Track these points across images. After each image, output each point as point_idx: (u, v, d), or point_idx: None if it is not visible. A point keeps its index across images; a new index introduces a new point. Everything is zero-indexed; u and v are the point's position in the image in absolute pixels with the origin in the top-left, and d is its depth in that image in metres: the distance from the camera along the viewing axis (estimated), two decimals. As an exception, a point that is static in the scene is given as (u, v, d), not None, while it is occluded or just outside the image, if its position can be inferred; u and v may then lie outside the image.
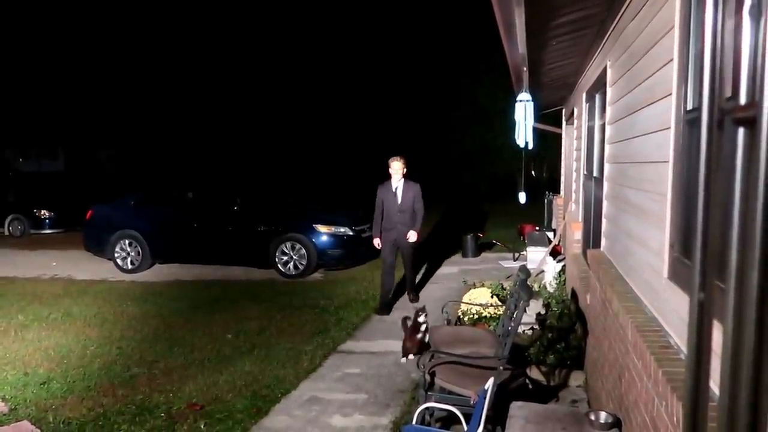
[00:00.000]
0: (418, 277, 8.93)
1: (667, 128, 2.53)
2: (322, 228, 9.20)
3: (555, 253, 8.51)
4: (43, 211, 14.24)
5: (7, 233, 14.38)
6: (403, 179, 6.99)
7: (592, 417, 2.83)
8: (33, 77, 21.12)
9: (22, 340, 5.89)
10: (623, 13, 3.87)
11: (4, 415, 4.14)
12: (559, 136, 10.93)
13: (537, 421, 3.01)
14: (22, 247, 12.64)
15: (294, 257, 9.13)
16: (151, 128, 23.02)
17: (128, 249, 9.72)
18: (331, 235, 9.22)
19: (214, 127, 23.41)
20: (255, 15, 24.08)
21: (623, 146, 3.81)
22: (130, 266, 9.68)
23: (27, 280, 9.04)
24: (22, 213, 14.31)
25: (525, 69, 5.89)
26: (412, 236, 7.02)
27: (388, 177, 7.02)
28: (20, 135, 19.95)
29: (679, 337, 2.27)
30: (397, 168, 6.97)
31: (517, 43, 4.60)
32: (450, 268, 9.50)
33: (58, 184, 16.58)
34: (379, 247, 7.03)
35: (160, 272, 9.55)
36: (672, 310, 2.38)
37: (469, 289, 7.03)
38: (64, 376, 4.86)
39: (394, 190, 6.95)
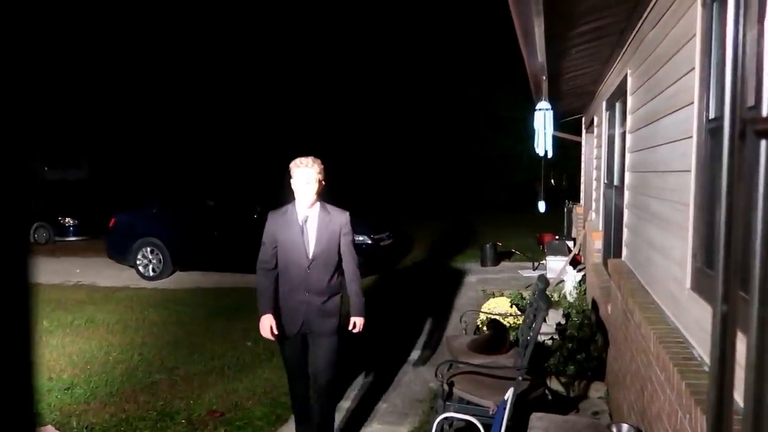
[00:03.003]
0: (431, 284, 8.91)
1: (689, 137, 2.51)
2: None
3: (575, 263, 8.43)
4: (67, 219, 14.51)
5: (32, 240, 14.66)
6: (318, 203, 3.61)
7: (614, 429, 2.79)
8: (57, 87, 21.60)
9: (46, 345, 6.00)
10: (643, 21, 3.85)
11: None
12: (579, 144, 10.85)
13: (557, 433, 2.98)
14: (46, 254, 12.88)
15: (313, 265, 9.15)
16: (172, 137, 23.37)
17: (150, 256, 9.85)
18: (350, 243, 9.22)
19: (235, 136, 23.67)
20: (274, 26, 24.34)
21: (644, 155, 3.77)
22: (151, 273, 9.80)
23: (51, 287, 9.19)
24: (47, 221, 14.59)
25: (544, 78, 5.88)
26: (357, 325, 3.74)
27: (288, 198, 3.69)
28: (45, 144, 20.40)
29: (702, 348, 2.24)
30: (305, 179, 3.52)
31: (536, 52, 4.59)
32: (468, 277, 9.45)
33: (81, 192, 16.90)
34: (270, 336, 3.64)
35: (180, 280, 9.65)
36: (694, 321, 2.35)
37: (488, 299, 6.99)
38: (87, 382, 4.93)
39: (300, 224, 3.57)
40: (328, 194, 3.72)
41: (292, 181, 3.54)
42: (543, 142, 6.18)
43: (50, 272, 10.42)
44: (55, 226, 14.57)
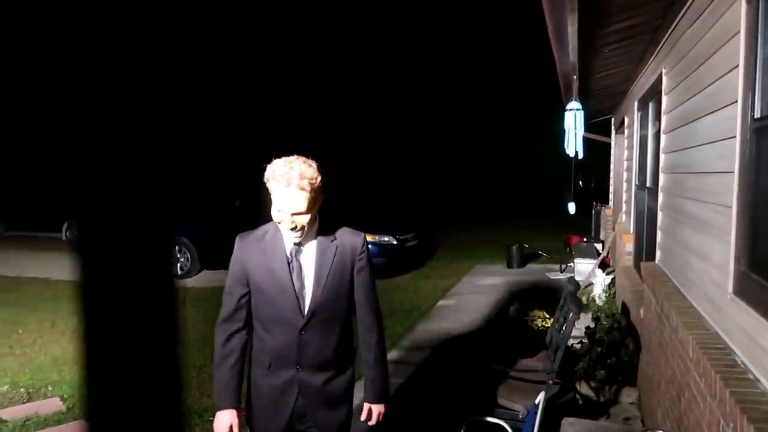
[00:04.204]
0: (457, 285, 8.84)
1: (732, 137, 2.44)
2: (366, 236, 9.22)
3: (603, 265, 8.30)
4: (97, 218, 14.78)
5: (64, 238, 14.98)
6: (316, 224, 2.28)
7: (649, 436, 2.73)
8: (87, 88, 22.05)
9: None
10: (680, 19, 3.76)
11: (63, 413, 4.28)
12: (607, 145, 10.68)
13: (590, 439, 2.92)
14: (77, 251, 13.14)
15: (338, 265, 9.18)
16: (201, 137, 23.68)
17: (178, 255, 9.99)
18: (375, 243, 9.23)
19: (264, 136, 23.89)
20: (311, 27, 24.45)
21: (681, 156, 3.68)
22: (179, 272, 9.93)
23: (82, 284, 9.37)
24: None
25: (575, 77, 5.79)
26: (374, 415, 2.42)
27: (261, 217, 2.42)
28: (76, 143, 20.78)
29: (746, 355, 2.17)
30: (295, 188, 2.09)
31: (568, 51, 4.53)
32: (495, 279, 9.37)
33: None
34: None
35: (208, 278, 9.76)
36: (738, 326, 2.27)
37: (516, 301, 6.92)
38: (117, 378, 5.00)
39: (289, 256, 2.27)
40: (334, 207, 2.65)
41: (274, 190, 2.11)
42: (573, 143, 6.09)
43: (81, 269, 10.63)
44: (85, 225, 14.84)
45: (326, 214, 2.32)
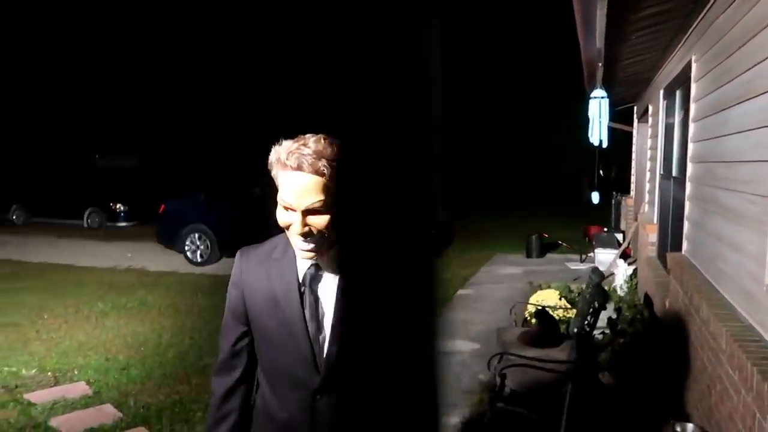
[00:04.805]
0: (477, 275, 8.81)
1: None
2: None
3: (624, 256, 8.21)
4: (118, 205, 14.95)
5: (85, 225, 15.19)
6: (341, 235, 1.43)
7: (678, 429, 2.70)
8: (108, 77, 22.23)
9: (102, 326, 6.19)
10: (712, 5, 3.67)
11: (89, 397, 4.36)
12: (628, 134, 10.52)
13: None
14: (99, 238, 13.32)
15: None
16: (220, 126, 23.78)
17: (198, 242, 10.07)
18: (394, 232, 9.21)
19: (283, 122, 23.93)
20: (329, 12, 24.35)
21: (711, 145, 3.61)
22: (199, 259, 10.02)
23: (104, 270, 9.50)
24: (99, 206, 15.07)
25: (600, 65, 5.70)
26: None
27: (270, 228, 1.56)
28: (97, 132, 21.02)
29: (783, 348, 2.13)
30: (308, 172, 1.35)
31: (595, 38, 4.45)
32: (514, 269, 9.32)
33: (131, 179, 17.37)
34: None
35: (227, 266, 9.80)
36: (774, 319, 2.23)
37: (535, 291, 6.88)
38: (142, 363, 5.07)
39: (300, 283, 1.49)
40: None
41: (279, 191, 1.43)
42: (598, 132, 6.00)
43: (103, 256, 10.77)
44: (106, 212, 15.04)
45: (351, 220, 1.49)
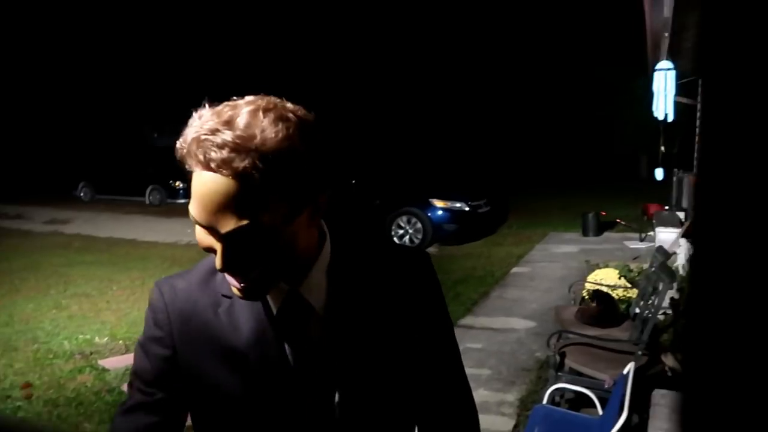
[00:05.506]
0: (531, 252, 8.68)
1: None
2: (438, 202, 9.20)
3: (687, 235, 7.91)
4: (177, 182, 15.46)
5: (147, 202, 15.82)
6: (327, 239, 0.98)
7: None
8: (168, 57, 22.83)
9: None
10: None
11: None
12: (691, 107, 10.03)
13: (683, 411, 2.83)
14: (160, 215, 13.84)
15: (410, 231, 9.22)
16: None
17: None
18: (447, 209, 9.19)
19: (332, 102, 24.07)
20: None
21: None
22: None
23: (166, 245, 9.88)
24: (160, 184, 15.62)
25: (666, 35, 5.45)
26: None
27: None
28: (156, 111, 21.73)
29: None
30: (211, 170, 0.80)
31: (663, 5, 4.26)
32: (569, 247, 9.15)
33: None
34: None
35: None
36: None
37: (592, 269, 6.73)
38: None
39: (276, 320, 0.96)
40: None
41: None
42: (663, 105, 5.76)
43: (164, 232, 11.20)
44: (166, 189, 15.58)
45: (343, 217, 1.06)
